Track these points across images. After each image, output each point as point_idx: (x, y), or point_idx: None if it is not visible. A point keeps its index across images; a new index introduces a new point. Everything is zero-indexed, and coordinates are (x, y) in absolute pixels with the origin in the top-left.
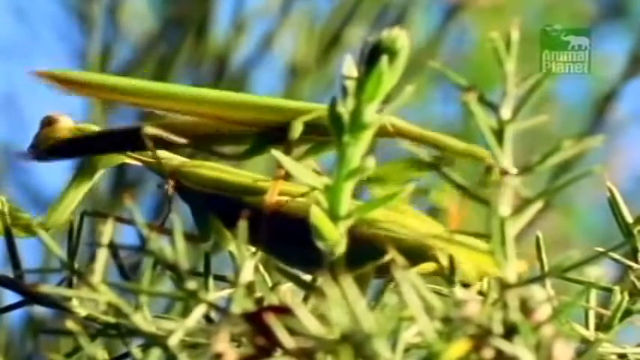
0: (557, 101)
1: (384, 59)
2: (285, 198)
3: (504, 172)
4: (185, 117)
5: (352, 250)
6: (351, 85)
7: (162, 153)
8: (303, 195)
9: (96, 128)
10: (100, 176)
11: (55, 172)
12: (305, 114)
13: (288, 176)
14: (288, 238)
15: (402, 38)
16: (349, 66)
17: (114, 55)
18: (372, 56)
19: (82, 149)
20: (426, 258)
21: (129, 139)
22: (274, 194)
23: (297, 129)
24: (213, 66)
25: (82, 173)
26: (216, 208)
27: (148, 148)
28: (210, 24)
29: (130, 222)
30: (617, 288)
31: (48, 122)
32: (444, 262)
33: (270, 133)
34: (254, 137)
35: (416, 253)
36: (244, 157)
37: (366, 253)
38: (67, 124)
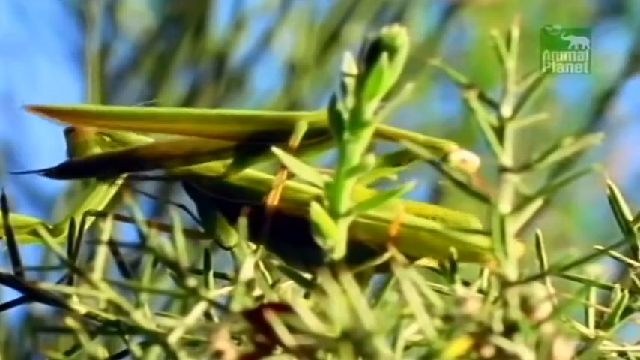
0: (556, 99)
1: (385, 57)
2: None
3: (504, 170)
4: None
5: (352, 246)
6: (351, 82)
7: None
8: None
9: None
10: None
11: None
12: (279, 124)
13: (290, 176)
14: (289, 236)
15: (402, 36)
16: (349, 63)
17: (113, 53)
18: (372, 54)
19: (102, 168)
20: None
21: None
22: (277, 197)
23: (300, 131)
24: (213, 64)
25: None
26: (222, 205)
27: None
28: (210, 22)
29: (130, 219)
30: (617, 286)
31: (69, 130)
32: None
33: (247, 146)
34: (233, 152)
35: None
36: (228, 174)
37: (366, 250)
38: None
